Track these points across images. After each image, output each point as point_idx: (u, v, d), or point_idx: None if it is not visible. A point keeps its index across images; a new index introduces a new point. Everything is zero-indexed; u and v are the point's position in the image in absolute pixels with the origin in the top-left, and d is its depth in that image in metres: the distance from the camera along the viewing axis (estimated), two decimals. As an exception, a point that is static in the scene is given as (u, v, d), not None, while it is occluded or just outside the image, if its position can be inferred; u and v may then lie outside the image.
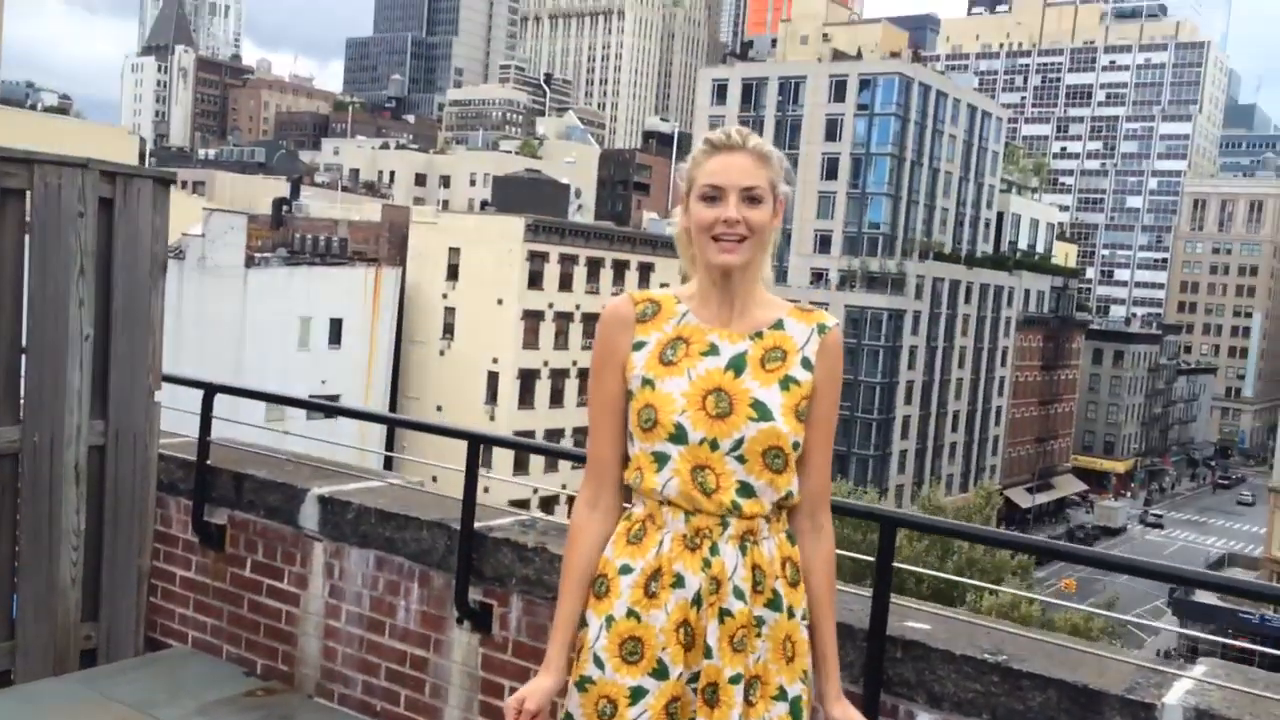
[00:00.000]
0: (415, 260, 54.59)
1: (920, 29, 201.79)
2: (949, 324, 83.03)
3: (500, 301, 53.10)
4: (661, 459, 2.32)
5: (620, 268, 57.84)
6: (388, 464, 34.66)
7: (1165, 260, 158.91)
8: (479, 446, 3.68)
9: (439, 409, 53.03)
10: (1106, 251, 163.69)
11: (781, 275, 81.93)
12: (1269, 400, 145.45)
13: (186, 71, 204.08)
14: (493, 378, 53.42)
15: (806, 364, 2.37)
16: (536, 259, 53.72)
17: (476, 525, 3.64)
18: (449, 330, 54.50)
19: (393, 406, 52.14)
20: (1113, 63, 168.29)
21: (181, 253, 41.77)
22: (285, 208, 59.62)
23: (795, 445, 2.34)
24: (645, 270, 58.94)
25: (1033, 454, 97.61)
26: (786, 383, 2.34)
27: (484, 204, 74.14)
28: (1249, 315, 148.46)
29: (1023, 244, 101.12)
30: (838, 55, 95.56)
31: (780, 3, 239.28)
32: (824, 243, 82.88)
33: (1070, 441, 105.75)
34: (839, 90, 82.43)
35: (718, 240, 2.34)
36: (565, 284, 54.95)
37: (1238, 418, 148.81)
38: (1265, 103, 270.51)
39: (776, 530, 2.38)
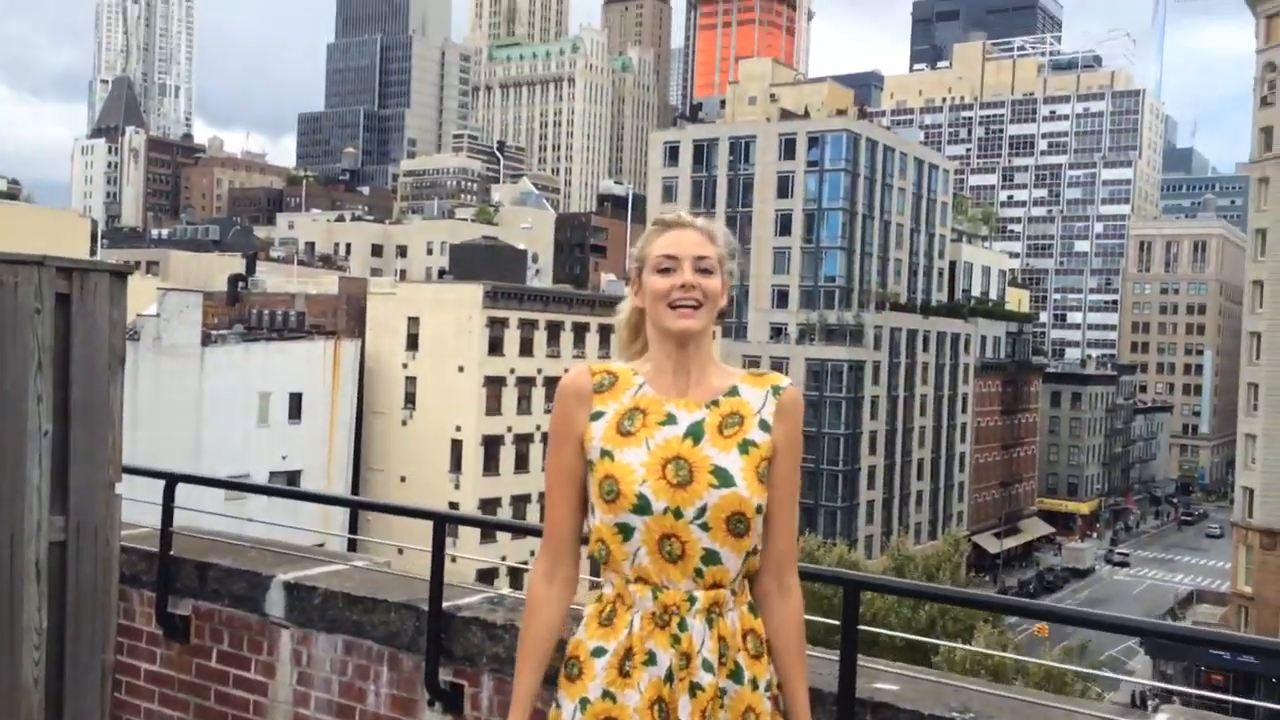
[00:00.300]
0: (374, 331, 54.43)
1: (865, 86, 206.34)
2: (909, 373, 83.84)
3: (461, 369, 52.97)
4: (626, 530, 2.35)
5: (580, 330, 57.99)
6: (351, 545, 34.25)
7: (1116, 302, 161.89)
8: (444, 526, 3.69)
9: (403, 480, 52.54)
10: (1058, 295, 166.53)
11: (740, 331, 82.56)
12: (1225, 436, 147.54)
13: (137, 152, 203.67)
14: (456, 445, 53.08)
15: (764, 426, 2.42)
16: (496, 325, 53.76)
17: (445, 605, 3.64)
18: (410, 400, 54.21)
19: (356, 479, 51.63)
20: (1053, 113, 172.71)
21: (136, 334, 41.38)
22: (241, 284, 59.31)
23: (758, 509, 2.37)
24: (606, 332, 59.11)
25: (998, 498, 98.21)
26: (745, 446, 2.38)
27: (442, 272, 74.29)
28: (1200, 353, 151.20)
29: (976, 291, 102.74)
30: (785, 114, 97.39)
31: (727, 65, 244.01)
32: (781, 297, 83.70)
33: (1034, 484, 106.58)
34: (788, 148, 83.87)
35: (675, 307, 2.41)
36: (526, 349, 54.95)
37: (1196, 454, 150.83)
38: (1202, 146, 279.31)
39: (740, 602, 2.41)
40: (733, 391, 2.46)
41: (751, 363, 78.91)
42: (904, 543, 60.67)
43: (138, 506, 4.69)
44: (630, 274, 2.55)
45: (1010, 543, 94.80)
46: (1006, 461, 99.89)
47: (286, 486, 38.04)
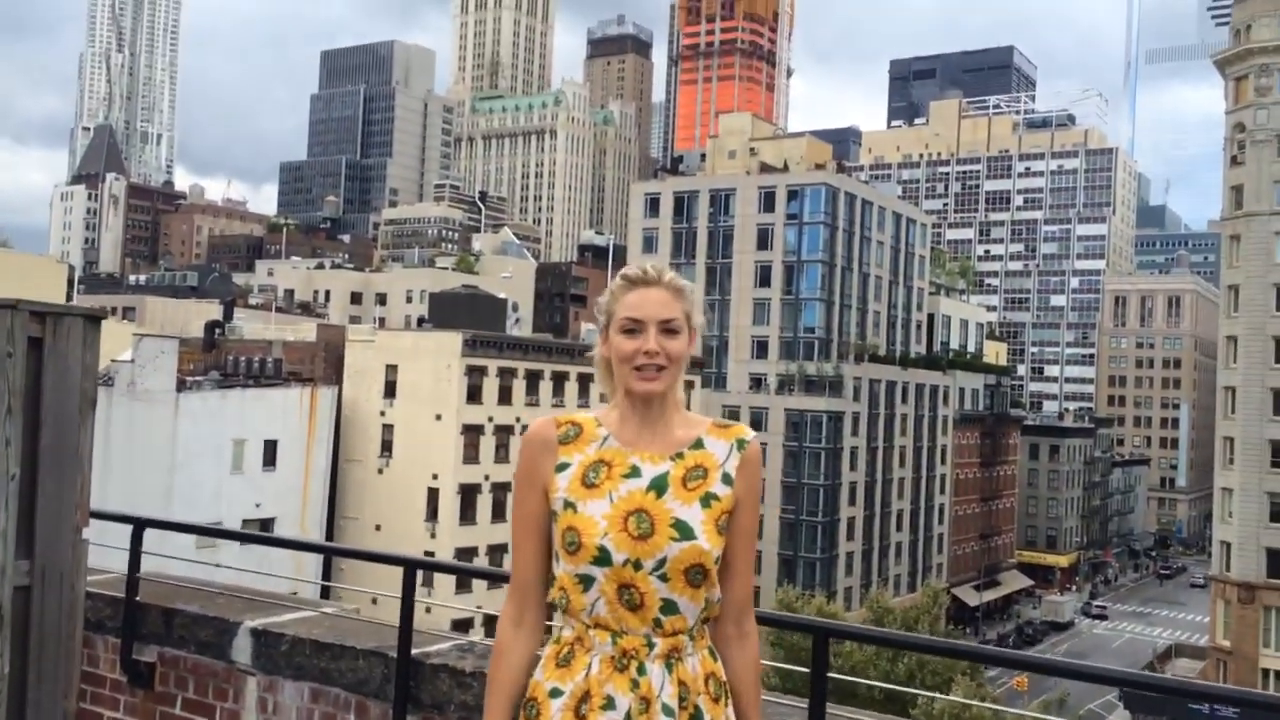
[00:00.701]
0: (352, 378, 54.21)
1: (843, 141, 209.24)
2: (888, 424, 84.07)
3: (439, 417, 52.75)
4: (587, 581, 2.39)
5: (559, 379, 57.94)
6: (325, 593, 33.82)
7: (1092, 356, 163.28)
8: (414, 572, 3.67)
9: (378, 528, 52.05)
10: (1035, 349, 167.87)
11: (720, 381, 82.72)
12: (1202, 489, 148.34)
13: (117, 198, 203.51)
14: (433, 494, 52.69)
15: (727, 479, 2.48)
16: (475, 373, 53.65)
17: (414, 652, 3.61)
18: (387, 448, 53.88)
19: (330, 527, 51.10)
20: (1028, 169, 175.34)
21: (110, 379, 41.07)
22: (218, 330, 59.01)
23: (716, 560, 2.43)
24: (585, 381, 59.09)
25: (977, 551, 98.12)
26: (708, 500, 2.44)
27: (421, 320, 74.19)
28: (1176, 407, 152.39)
29: (954, 344, 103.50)
30: (765, 168, 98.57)
31: (707, 119, 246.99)
32: (761, 348, 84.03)
33: (1013, 537, 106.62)
34: (768, 201, 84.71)
35: (639, 370, 2.47)
36: (505, 397, 54.80)
37: (1174, 507, 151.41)
38: (1175, 203, 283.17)
39: (700, 646, 2.45)
40: (698, 444, 2.51)
41: (731, 413, 78.98)
42: (883, 595, 60.42)
43: (109, 552, 4.64)
44: (599, 323, 2.59)
45: (989, 595, 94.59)
46: (985, 514, 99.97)
47: (257, 532, 37.57)
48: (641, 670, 2.36)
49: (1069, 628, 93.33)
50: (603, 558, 2.37)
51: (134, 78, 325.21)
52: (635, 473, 2.45)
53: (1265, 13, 61.65)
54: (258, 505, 45.43)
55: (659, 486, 2.43)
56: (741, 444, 2.52)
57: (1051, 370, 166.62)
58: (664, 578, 2.37)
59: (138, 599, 4.29)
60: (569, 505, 2.43)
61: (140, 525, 4.26)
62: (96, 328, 4.19)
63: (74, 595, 4.28)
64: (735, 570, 2.50)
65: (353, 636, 3.88)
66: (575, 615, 2.42)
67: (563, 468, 2.49)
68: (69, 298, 60.49)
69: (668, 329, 2.48)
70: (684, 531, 2.38)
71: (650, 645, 2.38)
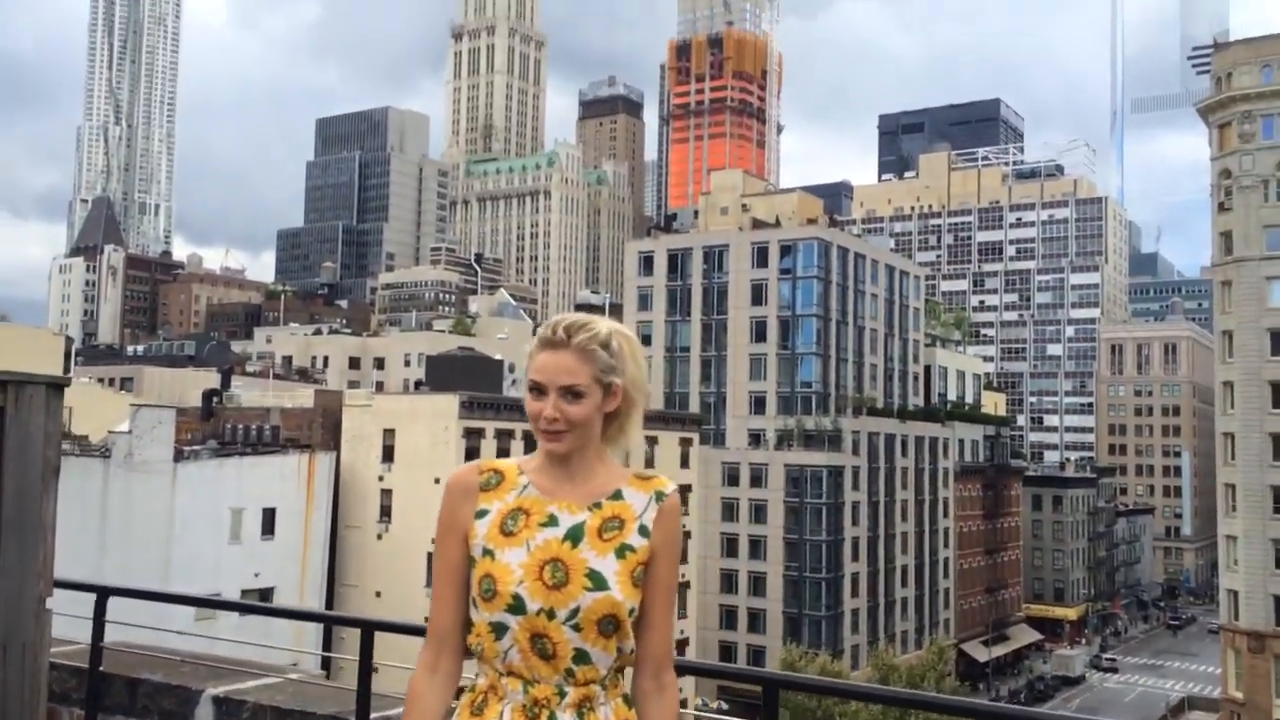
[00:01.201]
0: (350, 443, 54.06)
1: (834, 196, 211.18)
2: (888, 477, 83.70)
3: (438, 480, 52.40)
4: (500, 629, 2.42)
5: (557, 440, 57.79)
6: (326, 664, 33.41)
7: (1091, 404, 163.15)
8: (372, 634, 3.64)
9: (378, 595, 51.55)
10: (1034, 399, 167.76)
11: (719, 438, 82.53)
12: (1207, 538, 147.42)
13: (116, 270, 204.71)
14: (432, 559, 52.26)
15: (644, 531, 2.50)
16: (472, 435, 53.53)
17: (373, 715, 3.57)
18: (386, 513, 53.56)
19: (330, 595, 50.60)
20: (1019, 220, 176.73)
21: (108, 451, 40.99)
22: (215, 399, 59.03)
23: (631, 611, 2.44)
24: (582, 441, 58.94)
25: (985, 605, 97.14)
26: (623, 551, 2.46)
27: (418, 384, 74.23)
28: (1178, 454, 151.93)
29: (952, 395, 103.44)
30: (757, 224, 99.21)
31: (700, 177, 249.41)
32: (759, 403, 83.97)
33: (1020, 590, 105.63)
34: (761, 256, 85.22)
35: (542, 430, 2.52)
36: (503, 459, 54.56)
37: (1180, 556, 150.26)
38: (1167, 250, 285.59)
39: (613, 695, 2.47)
40: (617, 495, 2.54)
41: (731, 471, 78.79)
42: (888, 652, 59.71)
43: (85, 623, 4.58)
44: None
45: (999, 650, 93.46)
46: (991, 567, 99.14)
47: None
48: (552, 719, 2.37)
49: (1080, 682, 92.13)
50: (517, 606, 2.39)
51: (131, 149, 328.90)
52: (552, 521, 2.48)
53: (1245, 60, 62.61)
54: (256, 575, 45.08)
55: (574, 536, 2.46)
56: (660, 496, 2.55)
57: (1051, 420, 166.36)
58: (576, 627, 2.39)
59: (101, 669, 4.24)
60: (487, 552, 2.46)
61: (104, 594, 4.22)
62: (59, 395, 4.19)
63: (37, 666, 4.22)
64: (653, 623, 2.51)
65: (314, 702, 3.84)
66: (489, 663, 2.45)
67: (482, 514, 2.52)
68: (67, 369, 60.57)
69: (571, 393, 2.50)
70: (598, 582, 2.41)
71: (562, 694, 2.39)
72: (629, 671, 2.52)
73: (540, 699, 2.39)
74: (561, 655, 2.39)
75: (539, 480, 2.55)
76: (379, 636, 3.80)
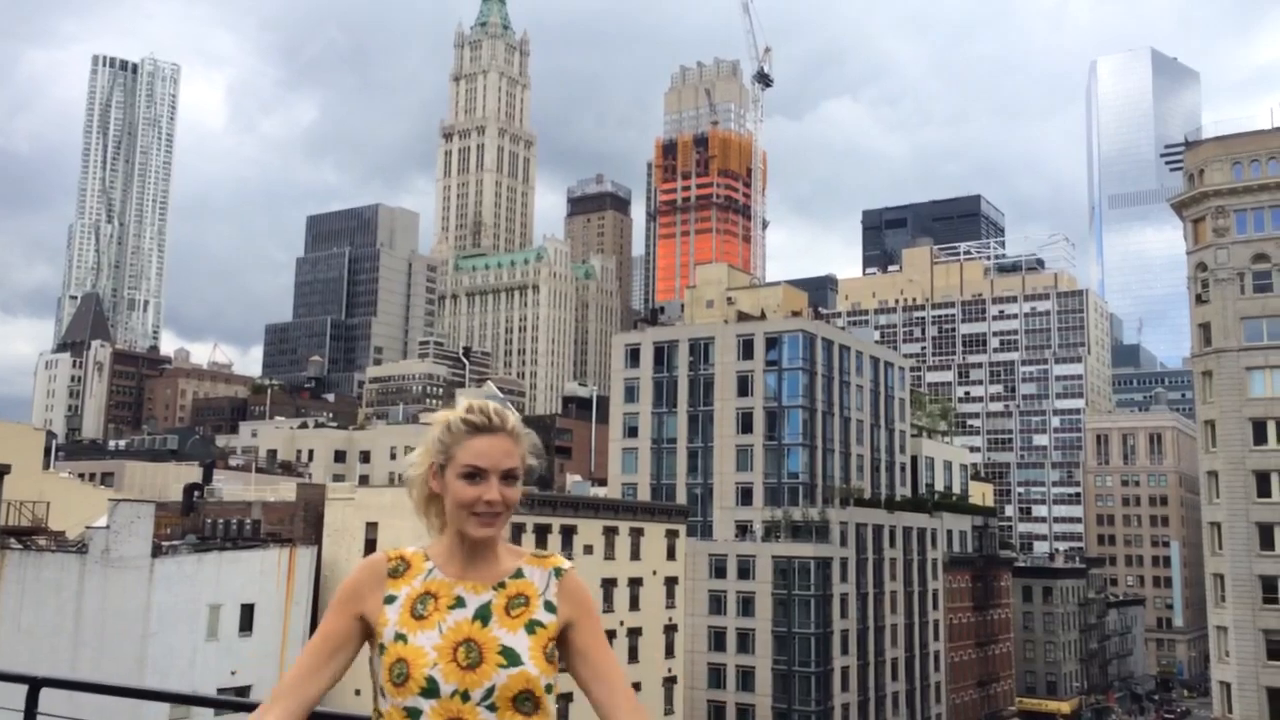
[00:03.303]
0: (331, 537, 53.50)
1: (819, 289, 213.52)
2: (877, 569, 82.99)
3: (420, 575, 51.81)
4: (414, 714, 2.40)
5: (543, 531, 57.35)
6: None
7: (1079, 494, 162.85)
8: None
9: (358, 693, 50.24)
10: (1021, 489, 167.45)
11: (706, 530, 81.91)
12: (1199, 629, 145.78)
13: (102, 365, 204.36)
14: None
15: (549, 607, 2.55)
16: (456, 529, 53.03)
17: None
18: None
19: (308, 695, 49.45)
20: (1001, 312, 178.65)
21: (84, 546, 40.41)
22: (196, 493, 58.48)
23: (548, 688, 2.46)
24: (568, 533, 58.50)
25: (977, 699, 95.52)
26: (532, 626, 2.50)
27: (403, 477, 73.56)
28: (1167, 544, 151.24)
29: (939, 485, 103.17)
30: (743, 316, 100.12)
31: (686, 270, 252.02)
32: (745, 495, 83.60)
33: (1012, 683, 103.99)
34: (747, 348, 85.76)
35: (478, 515, 2.55)
36: (487, 553, 54.00)
37: (1173, 648, 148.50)
38: (1148, 342, 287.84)
39: None
40: (518, 573, 2.59)
41: (718, 563, 78.04)
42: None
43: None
44: (433, 456, 2.62)
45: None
46: (982, 659, 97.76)
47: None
48: None
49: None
50: (430, 689, 2.38)
51: (123, 247, 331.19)
52: (460, 603, 2.51)
53: (1216, 157, 64.15)
54: (233, 673, 44.09)
55: (483, 616, 2.49)
56: (559, 572, 2.60)
57: (1039, 510, 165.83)
58: (492, 707, 2.38)
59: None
60: (400, 637, 2.46)
61: (36, 685, 4.13)
62: None
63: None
64: (600, 700, 2.50)
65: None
66: None
67: (390, 600, 2.53)
68: (47, 465, 60.02)
69: (509, 476, 2.58)
70: (511, 658, 2.42)
71: None
72: None
73: None
74: None
75: (444, 565, 2.58)
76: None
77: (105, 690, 4.62)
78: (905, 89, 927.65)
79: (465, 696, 2.38)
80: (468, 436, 2.60)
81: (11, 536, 38.30)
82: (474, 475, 2.55)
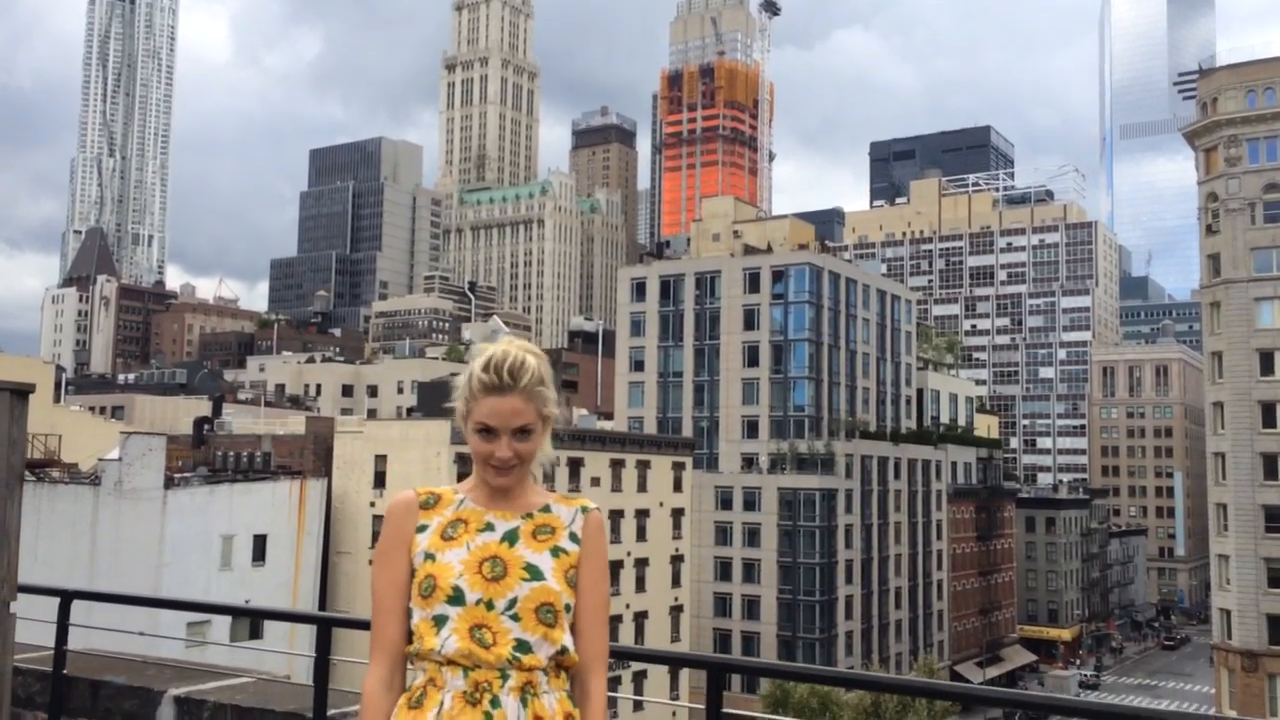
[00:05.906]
0: (341, 470, 53.97)
1: (826, 222, 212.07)
2: (881, 500, 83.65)
3: (429, 507, 52.32)
4: (440, 621, 2.52)
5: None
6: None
7: (1083, 427, 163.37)
8: (329, 630, 3.67)
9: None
10: (1026, 421, 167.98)
11: (712, 462, 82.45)
12: (1201, 558, 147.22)
13: (108, 300, 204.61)
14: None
15: (574, 538, 2.67)
16: (464, 460, 53.42)
17: (330, 712, 3.61)
18: (377, 539, 53.33)
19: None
20: (1009, 245, 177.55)
21: (98, 478, 40.83)
22: (207, 426, 58.89)
23: (567, 607, 2.58)
24: (575, 465, 58.94)
25: (979, 626, 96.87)
26: (556, 551, 2.63)
27: (411, 410, 74.14)
28: (1170, 475, 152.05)
29: (944, 418, 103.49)
30: (749, 250, 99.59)
31: (692, 204, 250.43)
32: (751, 428, 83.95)
33: (1014, 611, 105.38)
34: (753, 282, 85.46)
35: (494, 467, 2.67)
36: (495, 485, 54.43)
37: (1174, 577, 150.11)
38: (1157, 274, 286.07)
39: (557, 685, 2.56)
40: (545, 508, 2.72)
41: (724, 494, 78.78)
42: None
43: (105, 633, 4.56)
44: (460, 406, 2.75)
45: (993, 672, 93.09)
46: (985, 588, 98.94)
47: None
48: (495, 703, 2.45)
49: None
50: (456, 597, 2.51)
51: (125, 181, 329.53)
52: (489, 527, 2.64)
53: (1230, 85, 63.21)
54: (247, 601, 44.78)
55: (511, 538, 2.62)
56: (585, 509, 2.73)
57: (1044, 442, 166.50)
58: (515, 617, 2.50)
59: (65, 673, 4.26)
60: (429, 556, 2.60)
61: (67, 597, 4.25)
62: (24, 401, 4.23)
63: (1, 671, 4.25)
64: (585, 629, 2.63)
65: (274, 700, 3.88)
66: (427, 658, 2.53)
67: (423, 528, 2.67)
68: (57, 399, 60.44)
69: (521, 431, 2.66)
70: (534, 573, 2.55)
71: (504, 677, 2.48)
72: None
73: (482, 682, 2.47)
74: (501, 644, 2.48)
75: (475, 497, 2.72)
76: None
77: (132, 601, 4.74)
78: (918, 18, 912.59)
79: (490, 605, 2.50)
80: (482, 395, 2.68)
81: (26, 469, 38.66)
82: (486, 432, 2.65)
